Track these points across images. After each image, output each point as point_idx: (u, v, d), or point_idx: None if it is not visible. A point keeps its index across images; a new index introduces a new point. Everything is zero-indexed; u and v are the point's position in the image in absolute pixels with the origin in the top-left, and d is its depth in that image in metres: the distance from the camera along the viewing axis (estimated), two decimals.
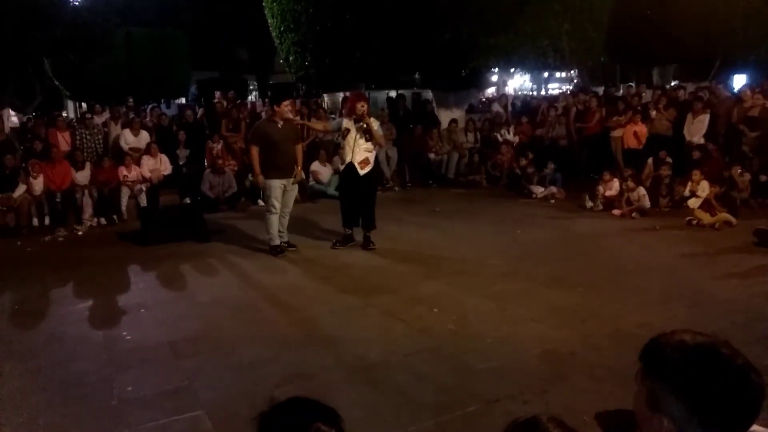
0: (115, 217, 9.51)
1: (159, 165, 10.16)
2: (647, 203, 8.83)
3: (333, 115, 12.45)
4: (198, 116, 13.06)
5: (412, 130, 12.30)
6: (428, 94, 15.22)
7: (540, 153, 11.21)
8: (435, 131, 12.36)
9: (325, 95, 16.21)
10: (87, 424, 3.55)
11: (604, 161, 10.80)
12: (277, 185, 7.05)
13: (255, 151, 7.08)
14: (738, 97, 11.14)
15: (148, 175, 9.97)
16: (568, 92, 17.37)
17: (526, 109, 15.09)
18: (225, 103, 13.26)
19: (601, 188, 9.32)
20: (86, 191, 9.39)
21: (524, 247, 7.26)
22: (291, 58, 13.72)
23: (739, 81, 18.03)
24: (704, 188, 8.46)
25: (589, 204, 9.33)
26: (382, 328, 4.84)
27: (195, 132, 11.33)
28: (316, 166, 10.93)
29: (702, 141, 10.39)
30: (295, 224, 7.83)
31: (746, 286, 5.54)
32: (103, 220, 9.42)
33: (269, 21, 14.00)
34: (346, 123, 7.11)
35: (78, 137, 10.38)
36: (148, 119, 12.22)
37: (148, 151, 10.21)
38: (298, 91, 16.77)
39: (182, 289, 6.15)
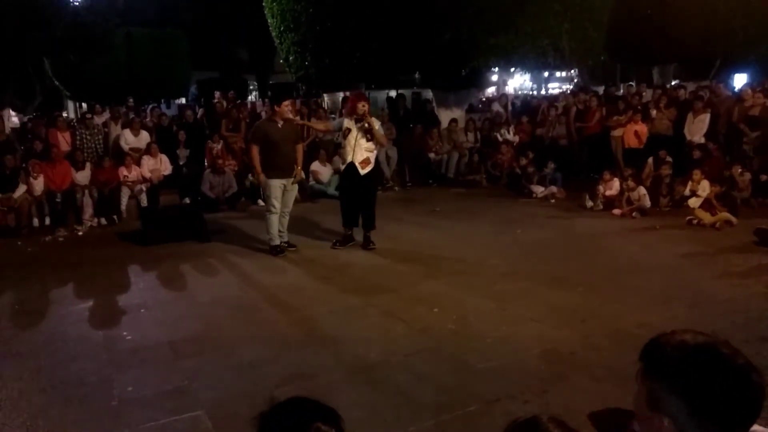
0: (115, 217, 9.51)
1: (159, 165, 10.16)
2: (647, 203, 8.82)
3: (333, 115, 12.45)
4: (198, 116, 13.05)
5: (412, 130, 12.29)
6: (428, 94, 15.21)
7: (540, 152, 11.19)
8: (435, 131, 12.35)
9: (325, 95, 16.22)
10: (87, 424, 3.55)
11: (605, 161, 10.79)
12: (277, 185, 7.05)
13: (255, 150, 7.09)
14: (738, 97, 11.13)
15: (148, 175, 9.97)
16: (569, 92, 17.34)
17: (526, 108, 15.09)
18: (225, 103, 13.25)
19: (601, 188, 9.31)
20: (86, 191, 9.39)
21: (524, 246, 7.26)
22: (291, 58, 13.72)
23: (739, 80, 18.06)
24: (705, 188, 8.45)
25: (590, 204, 9.32)
26: (382, 328, 4.84)
27: (195, 132, 11.32)
28: (316, 166, 10.93)
29: (702, 140, 10.39)
30: (295, 224, 7.83)
31: (746, 286, 5.53)
32: (103, 220, 9.42)
33: (269, 21, 14.00)
34: (347, 123, 7.11)
35: (78, 137, 10.38)
36: (148, 119, 12.22)
37: (148, 151, 10.22)
38: (298, 91, 16.76)
39: (182, 289, 6.16)
